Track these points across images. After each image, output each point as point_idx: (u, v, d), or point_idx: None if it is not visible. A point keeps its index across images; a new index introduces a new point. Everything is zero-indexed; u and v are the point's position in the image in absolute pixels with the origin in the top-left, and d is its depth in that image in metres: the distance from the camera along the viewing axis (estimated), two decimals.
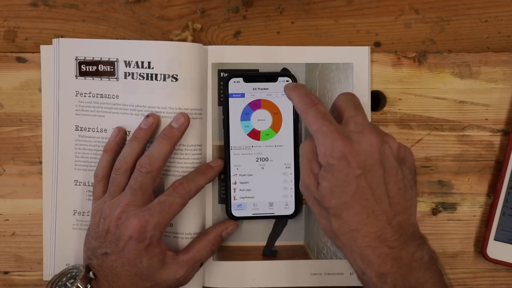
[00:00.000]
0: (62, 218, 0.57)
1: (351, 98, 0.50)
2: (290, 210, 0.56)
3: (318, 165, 0.47)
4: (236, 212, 0.56)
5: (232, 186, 0.56)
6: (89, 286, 0.50)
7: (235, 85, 0.56)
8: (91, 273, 0.51)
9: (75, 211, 0.57)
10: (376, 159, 0.46)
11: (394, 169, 0.46)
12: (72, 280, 0.50)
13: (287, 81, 0.56)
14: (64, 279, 0.51)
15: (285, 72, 0.56)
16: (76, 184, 0.57)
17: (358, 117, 0.48)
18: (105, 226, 0.51)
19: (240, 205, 0.56)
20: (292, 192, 0.56)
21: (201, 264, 0.54)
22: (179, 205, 0.52)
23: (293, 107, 0.55)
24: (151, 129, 0.54)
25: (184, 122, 0.54)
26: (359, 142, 0.46)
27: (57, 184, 0.57)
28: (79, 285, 0.49)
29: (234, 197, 0.56)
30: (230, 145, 0.56)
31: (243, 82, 0.56)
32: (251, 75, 0.56)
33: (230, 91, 0.56)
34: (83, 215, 0.57)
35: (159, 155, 0.52)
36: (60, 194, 0.57)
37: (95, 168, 0.55)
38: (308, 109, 0.48)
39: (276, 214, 0.56)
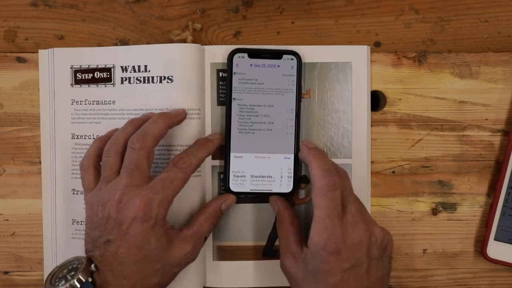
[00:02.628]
0: (60, 227, 0.57)
1: (346, 184, 0.51)
2: (289, 188, 0.56)
3: (298, 245, 0.49)
4: (234, 187, 0.56)
5: (231, 161, 0.56)
6: (90, 279, 0.47)
7: (240, 60, 0.56)
8: (92, 265, 0.48)
9: (74, 220, 0.57)
10: (364, 253, 0.48)
11: (376, 260, 0.49)
12: (72, 273, 0.48)
13: (292, 59, 0.56)
14: (65, 271, 0.49)
15: (290, 50, 0.56)
16: (74, 193, 0.57)
17: (353, 207, 0.49)
18: (105, 213, 0.49)
19: (239, 180, 0.56)
20: (291, 171, 0.56)
21: (205, 238, 0.53)
22: (181, 180, 0.50)
23: (296, 87, 0.56)
24: (148, 117, 0.53)
25: (182, 114, 0.54)
26: (352, 237, 0.48)
27: (55, 193, 0.57)
28: (80, 277, 0.47)
29: (233, 172, 0.56)
30: (232, 120, 0.56)
31: (248, 58, 0.56)
32: (256, 51, 0.56)
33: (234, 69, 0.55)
34: (81, 224, 0.57)
35: (153, 131, 0.50)
36: (59, 204, 0.57)
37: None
38: (327, 193, 0.48)
39: (274, 191, 0.56)
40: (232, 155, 0.56)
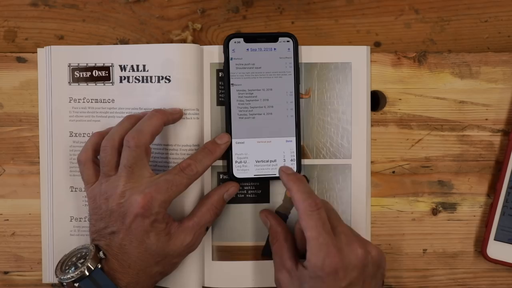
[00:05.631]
0: (59, 224, 0.57)
1: (331, 208, 0.52)
2: None
3: (293, 261, 0.50)
4: (238, 173, 0.56)
5: (234, 147, 0.55)
6: (99, 266, 0.49)
7: (236, 45, 0.56)
8: (101, 252, 0.49)
9: (72, 217, 0.57)
10: (359, 271, 0.48)
11: (370, 278, 0.49)
12: (82, 260, 0.49)
13: (287, 41, 0.56)
14: (73, 259, 0.50)
15: (286, 32, 0.56)
16: (72, 190, 0.57)
17: (344, 228, 0.50)
18: (108, 206, 0.50)
19: (242, 166, 0.56)
20: (294, 154, 0.56)
21: (207, 228, 0.54)
22: (185, 185, 0.51)
23: (294, 69, 0.56)
24: (145, 114, 0.53)
25: (178, 113, 0.54)
26: (349, 256, 0.48)
27: (52, 191, 0.57)
28: (89, 265, 0.48)
29: (236, 158, 0.56)
30: (231, 106, 0.56)
31: (244, 43, 0.56)
32: (252, 36, 0.56)
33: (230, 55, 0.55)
34: (80, 221, 0.57)
35: (148, 128, 0.51)
36: (56, 201, 0.57)
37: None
38: (312, 212, 0.48)
39: (278, 175, 0.55)
40: (234, 141, 0.55)
